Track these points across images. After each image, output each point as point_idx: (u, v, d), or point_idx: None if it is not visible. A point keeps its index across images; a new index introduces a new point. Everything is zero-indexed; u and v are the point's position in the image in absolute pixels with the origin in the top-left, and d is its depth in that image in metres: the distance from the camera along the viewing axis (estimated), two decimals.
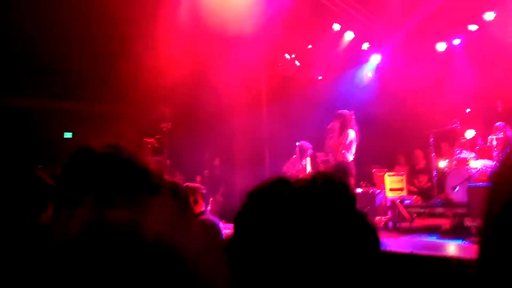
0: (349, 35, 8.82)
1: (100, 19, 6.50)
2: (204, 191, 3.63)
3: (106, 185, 0.99)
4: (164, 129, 7.14)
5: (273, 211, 0.67)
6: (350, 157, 6.36)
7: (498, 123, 6.47)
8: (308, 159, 7.13)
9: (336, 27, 8.51)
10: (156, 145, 6.92)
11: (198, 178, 8.10)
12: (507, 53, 6.94)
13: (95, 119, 8.06)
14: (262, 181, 0.74)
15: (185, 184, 3.29)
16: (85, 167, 1.06)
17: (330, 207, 0.67)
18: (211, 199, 7.19)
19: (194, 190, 3.48)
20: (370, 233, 0.69)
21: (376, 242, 0.70)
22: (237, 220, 0.73)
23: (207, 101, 7.67)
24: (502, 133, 6.31)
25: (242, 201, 0.74)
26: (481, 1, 7.30)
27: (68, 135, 8.38)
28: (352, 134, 6.42)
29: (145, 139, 6.91)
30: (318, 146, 7.22)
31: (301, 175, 5.81)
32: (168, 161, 7.10)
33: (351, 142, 6.39)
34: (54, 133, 8.04)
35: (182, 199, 1.85)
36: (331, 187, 0.69)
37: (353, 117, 6.54)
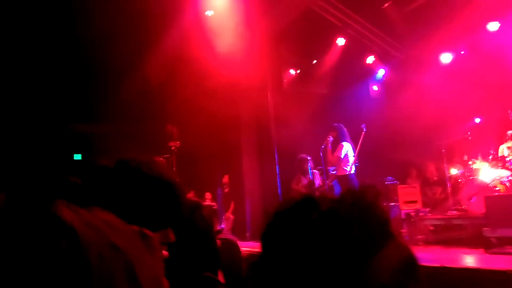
0: (353, 49, 8.86)
1: (109, 36, 6.54)
2: (214, 208, 3.58)
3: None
4: (173, 147, 7.12)
5: (301, 232, 0.66)
6: (348, 169, 6.38)
7: (510, 132, 6.42)
8: (316, 172, 7.09)
9: (340, 41, 8.56)
10: (164, 164, 6.89)
11: (209, 195, 8.05)
12: None
13: (104, 139, 8.07)
14: (287, 200, 0.73)
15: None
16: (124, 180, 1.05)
17: (360, 230, 0.65)
18: (223, 217, 7.13)
19: (208, 209, 3.43)
20: (406, 257, 0.68)
21: (414, 265, 0.68)
22: (265, 239, 0.71)
23: (215, 118, 7.68)
24: None
25: (267, 220, 0.72)
26: (486, 11, 7.31)
27: (77, 157, 8.37)
28: (345, 146, 6.43)
29: (154, 158, 6.88)
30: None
31: (310, 189, 5.76)
32: (177, 180, 7.05)
33: (346, 155, 6.39)
34: (63, 155, 8.04)
35: (206, 220, 1.80)
36: (360, 208, 0.67)
37: (345, 131, 6.62)
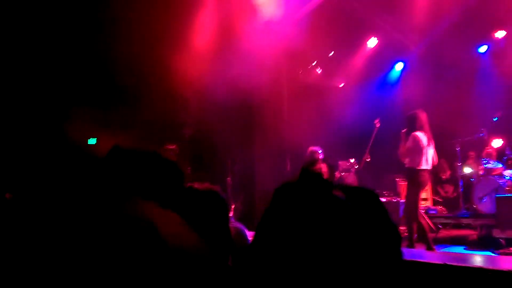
0: (372, 42, 8.77)
1: (122, 20, 6.59)
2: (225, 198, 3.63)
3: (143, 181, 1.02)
4: (186, 135, 7.18)
5: (304, 210, 0.67)
6: (415, 163, 5.39)
7: None
8: (324, 165, 7.04)
9: (360, 33, 8.47)
10: (177, 151, 6.97)
11: (218, 187, 8.11)
12: None
13: (117, 125, 8.18)
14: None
15: None
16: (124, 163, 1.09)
17: (363, 215, 0.66)
18: (233, 206, 7.19)
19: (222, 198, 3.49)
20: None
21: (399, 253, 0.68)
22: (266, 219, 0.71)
23: (229, 109, 7.71)
24: None
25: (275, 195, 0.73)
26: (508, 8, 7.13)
27: (92, 141, 8.52)
28: (417, 137, 5.38)
29: (166, 146, 6.97)
30: (337, 153, 7.15)
31: None
32: (189, 168, 7.14)
33: (415, 147, 5.38)
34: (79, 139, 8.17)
35: (221, 205, 1.85)
36: (361, 195, 0.69)
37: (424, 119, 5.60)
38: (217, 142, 8.19)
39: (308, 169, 0.74)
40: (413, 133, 5.40)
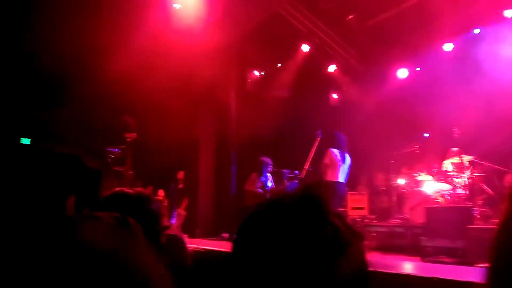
0: (316, 57, 9.07)
1: (65, 23, 6.34)
2: (166, 205, 3.57)
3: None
4: (128, 139, 7.00)
5: (270, 230, 0.69)
6: (332, 177, 6.21)
7: (453, 148, 6.82)
8: (269, 175, 7.19)
9: (305, 48, 8.74)
10: (119, 155, 6.78)
11: (161, 192, 7.97)
12: (462, 83, 7.36)
13: (56, 125, 7.79)
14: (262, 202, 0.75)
15: None
16: None
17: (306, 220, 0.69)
18: (175, 212, 7.09)
19: (156, 204, 3.43)
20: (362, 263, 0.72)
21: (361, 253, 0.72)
22: (240, 238, 0.73)
23: (174, 113, 7.61)
24: (457, 157, 6.64)
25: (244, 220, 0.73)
26: (443, 32, 7.68)
27: (26, 141, 8.03)
28: (333, 153, 6.27)
29: (108, 149, 6.76)
30: (283, 162, 7.32)
31: (263, 191, 5.85)
32: (131, 172, 6.95)
33: (332, 162, 6.21)
34: (11, 139, 7.68)
35: (152, 210, 1.81)
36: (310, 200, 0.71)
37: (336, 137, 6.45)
38: (162, 146, 8.04)
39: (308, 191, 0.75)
40: (328, 150, 6.24)
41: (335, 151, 6.28)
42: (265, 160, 7.04)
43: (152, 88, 7.03)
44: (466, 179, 6.28)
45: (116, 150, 6.81)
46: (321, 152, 6.69)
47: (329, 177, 6.16)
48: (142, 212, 1.61)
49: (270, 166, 7.10)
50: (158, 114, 7.60)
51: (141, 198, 1.89)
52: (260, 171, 7.03)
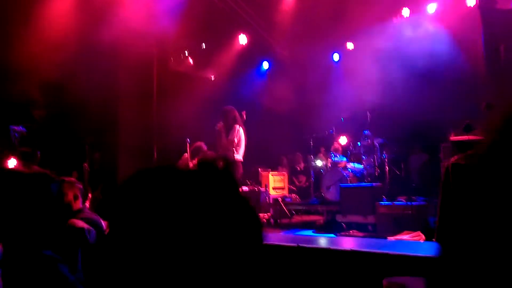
0: (243, 39, 9.09)
1: None
2: (81, 187, 3.37)
3: None
4: (36, 116, 6.44)
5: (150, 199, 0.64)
6: (238, 156, 6.06)
7: (365, 131, 7.35)
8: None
9: (231, 30, 8.71)
10: (25, 134, 6.20)
11: (75, 174, 7.49)
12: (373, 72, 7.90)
13: None
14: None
15: (61, 178, 3.02)
16: None
17: (212, 191, 0.66)
18: (89, 195, 6.70)
19: (72, 185, 3.22)
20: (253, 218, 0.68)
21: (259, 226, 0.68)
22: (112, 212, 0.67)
23: (90, 90, 7.16)
24: (369, 140, 7.17)
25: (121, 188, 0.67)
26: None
27: None
28: (240, 131, 6.07)
29: (12, 127, 6.14)
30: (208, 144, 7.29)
31: None
32: (38, 152, 6.41)
33: (239, 140, 6.03)
34: None
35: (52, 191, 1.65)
36: (212, 171, 0.70)
37: (238, 114, 6.18)
38: (74, 125, 7.52)
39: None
40: (235, 126, 6.00)
41: (241, 129, 6.07)
42: (201, 144, 6.81)
43: (69, 61, 6.54)
44: (376, 160, 6.82)
45: (21, 128, 6.21)
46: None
47: (236, 156, 5.94)
48: (39, 194, 1.46)
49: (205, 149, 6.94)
50: (73, 89, 7.07)
51: (38, 178, 1.65)
52: (195, 154, 6.81)
